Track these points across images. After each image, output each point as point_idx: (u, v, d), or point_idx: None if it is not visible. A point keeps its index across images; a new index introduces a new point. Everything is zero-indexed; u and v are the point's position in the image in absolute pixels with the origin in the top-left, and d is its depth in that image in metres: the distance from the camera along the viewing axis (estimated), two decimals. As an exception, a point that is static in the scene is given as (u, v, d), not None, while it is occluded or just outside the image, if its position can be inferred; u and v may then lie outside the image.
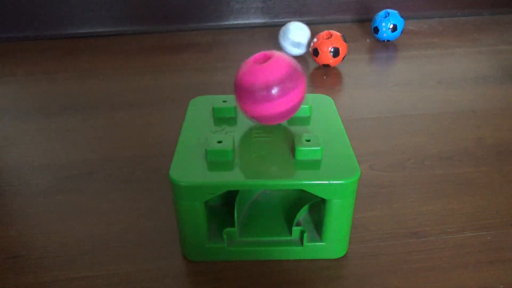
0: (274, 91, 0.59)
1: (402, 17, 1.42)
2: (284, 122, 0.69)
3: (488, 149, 0.88)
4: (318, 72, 1.25)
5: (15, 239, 0.69)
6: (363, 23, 1.63)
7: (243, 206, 0.67)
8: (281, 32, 1.32)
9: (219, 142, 0.61)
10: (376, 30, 1.42)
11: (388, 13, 1.40)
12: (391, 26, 1.40)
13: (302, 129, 0.67)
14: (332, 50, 1.21)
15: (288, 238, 0.63)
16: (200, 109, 0.73)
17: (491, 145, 0.89)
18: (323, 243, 0.62)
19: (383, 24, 1.40)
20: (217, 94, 1.11)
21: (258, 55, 0.63)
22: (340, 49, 1.22)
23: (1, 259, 0.65)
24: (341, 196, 0.58)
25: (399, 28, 1.41)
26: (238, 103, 0.64)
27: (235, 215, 0.62)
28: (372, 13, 1.65)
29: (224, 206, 0.68)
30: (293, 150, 0.61)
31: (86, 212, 0.74)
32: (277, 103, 0.60)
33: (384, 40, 1.44)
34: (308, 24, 1.65)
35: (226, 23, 1.63)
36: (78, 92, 1.17)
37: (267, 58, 0.62)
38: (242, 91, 0.61)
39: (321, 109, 0.73)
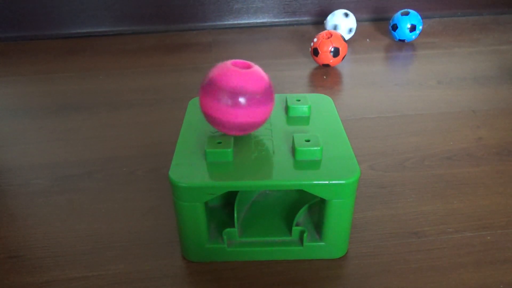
0: (248, 99, 0.58)
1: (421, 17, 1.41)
2: (283, 122, 0.69)
3: (488, 149, 0.88)
4: (318, 72, 1.25)
5: (15, 239, 0.69)
6: (363, 23, 1.63)
7: (243, 207, 0.67)
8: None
9: (219, 143, 0.61)
10: (395, 27, 1.41)
11: (408, 12, 1.40)
12: (410, 25, 1.39)
13: (301, 129, 0.67)
14: (332, 50, 1.21)
15: (288, 238, 0.63)
16: (199, 109, 0.73)
17: (491, 145, 0.89)
18: (323, 243, 0.62)
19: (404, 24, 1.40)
20: (217, 94, 1.11)
21: (237, 61, 0.62)
22: (340, 49, 1.22)
23: (1, 259, 0.65)
24: (341, 196, 0.58)
25: (417, 29, 1.40)
26: (204, 103, 0.60)
27: (235, 216, 0.62)
28: (374, 13, 1.65)
29: (224, 207, 0.68)
30: (292, 150, 0.61)
31: (86, 212, 0.74)
32: (246, 111, 0.59)
33: (399, 40, 1.43)
34: (308, 24, 1.65)
35: (226, 23, 1.63)
36: (78, 92, 1.17)
37: (248, 66, 0.62)
38: (216, 91, 0.58)
39: (320, 109, 0.73)
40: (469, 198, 0.75)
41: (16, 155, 0.90)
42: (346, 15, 1.42)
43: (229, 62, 0.61)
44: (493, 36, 1.49)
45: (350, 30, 1.43)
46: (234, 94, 0.58)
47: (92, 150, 0.91)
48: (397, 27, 1.40)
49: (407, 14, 1.39)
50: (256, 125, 0.62)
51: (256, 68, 0.62)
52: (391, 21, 1.43)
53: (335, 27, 1.41)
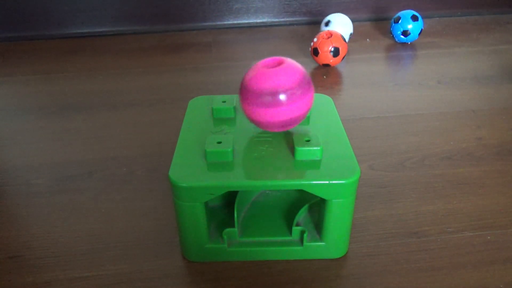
0: (282, 97, 0.58)
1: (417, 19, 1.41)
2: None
3: (488, 149, 0.88)
4: (318, 71, 1.25)
5: (15, 239, 0.69)
6: (363, 22, 1.63)
7: (243, 207, 0.67)
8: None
9: (219, 142, 0.61)
10: (406, 33, 1.40)
11: (417, 17, 1.39)
12: (419, 30, 1.39)
13: (301, 129, 0.67)
14: (332, 49, 1.21)
15: (288, 238, 0.63)
16: (199, 109, 0.73)
17: (491, 145, 0.89)
18: (323, 243, 0.62)
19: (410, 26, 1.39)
20: (217, 94, 1.12)
21: (269, 59, 0.62)
22: (340, 48, 1.22)
23: (1, 259, 0.65)
24: (341, 196, 0.58)
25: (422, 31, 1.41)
26: (242, 105, 0.62)
27: (235, 216, 0.62)
28: (374, 13, 1.65)
29: (224, 207, 0.68)
30: (293, 150, 0.61)
31: (86, 212, 0.74)
32: (282, 109, 0.59)
33: (403, 42, 1.43)
34: (308, 24, 1.65)
35: (226, 23, 1.63)
36: (78, 92, 1.17)
37: (278, 64, 0.61)
38: (248, 94, 0.60)
39: (320, 109, 0.73)
40: (469, 198, 0.75)
41: (16, 155, 0.90)
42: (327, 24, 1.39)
43: (260, 63, 0.61)
44: (493, 36, 1.49)
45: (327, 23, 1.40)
46: (272, 95, 0.58)
47: (92, 150, 0.91)
48: (409, 33, 1.39)
49: (416, 19, 1.38)
50: (301, 118, 0.62)
51: (288, 63, 0.61)
52: (400, 26, 1.39)
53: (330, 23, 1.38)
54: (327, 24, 1.39)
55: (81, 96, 1.14)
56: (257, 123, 0.62)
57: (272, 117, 0.60)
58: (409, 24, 1.38)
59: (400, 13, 1.41)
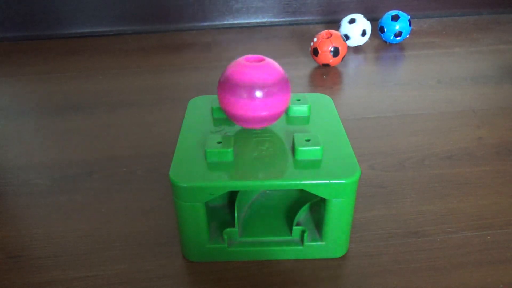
0: (258, 90, 0.60)
1: (410, 24, 1.41)
2: (283, 122, 0.69)
3: (488, 149, 0.88)
4: (317, 71, 1.25)
5: (15, 239, 0.69)
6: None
7: (243, 206, 0.67)
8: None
9: (219, 142, 0.61)
10: (382, 29, 1.41)
11: (398, 16, 1.39)
12: (397, 32, 1.39)
13: (302, 129, 0.67)
14: (332, 49, 1.21)
15: (289, 238, 0.63)
16: (199, 109, 0.73)
17: (491, 145, 0.89)
18: (324, 243, 0.62)
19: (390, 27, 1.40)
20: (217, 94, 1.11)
21: (251, 56, 0.64)
22: (340, 48, 1.22)
23: (1, 259, 0.65)
24: (342, 196, 0.58)
25: (404, 35, 1.40)
26: (219, 95, 0.63)
27: (236, 215, 0.62)
28: (373, 12, 1.65)
29: (225, 207, 0.68)
30: (293, 150, 0.61)
31: (86, 212, 0.74)
32: (257, 104, 0.60)
33: (387, 42, 1.44)
34: (307, 24, 1.65)
35: (226, 23, 1.63)
36: (78, 92, 1.17)
37: (258, 60, 0.64)
38: (227, 84, 0.61)
39: (320, 108, 0.73)
40: (469, 198, 0.75)
41: (16, 155, 0.90)
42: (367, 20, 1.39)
43: (242, 58, 0.63)
44: (493, 35, 1.49)
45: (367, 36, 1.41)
46: (249, 87, 0.60)
47: (92, 150, 0.91)
48: (384, 30, 1.40)
49: (397, 19, 1.39)
50: (275, 116, 0.63)
51: (269, 60, 0.63)
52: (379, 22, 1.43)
53: (363, 33, 1.37)
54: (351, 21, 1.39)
55: (81, 96, 1.14)
56: (231, 115, 0.63)
57: (247, 110, 0.61)
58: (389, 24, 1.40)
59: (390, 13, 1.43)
